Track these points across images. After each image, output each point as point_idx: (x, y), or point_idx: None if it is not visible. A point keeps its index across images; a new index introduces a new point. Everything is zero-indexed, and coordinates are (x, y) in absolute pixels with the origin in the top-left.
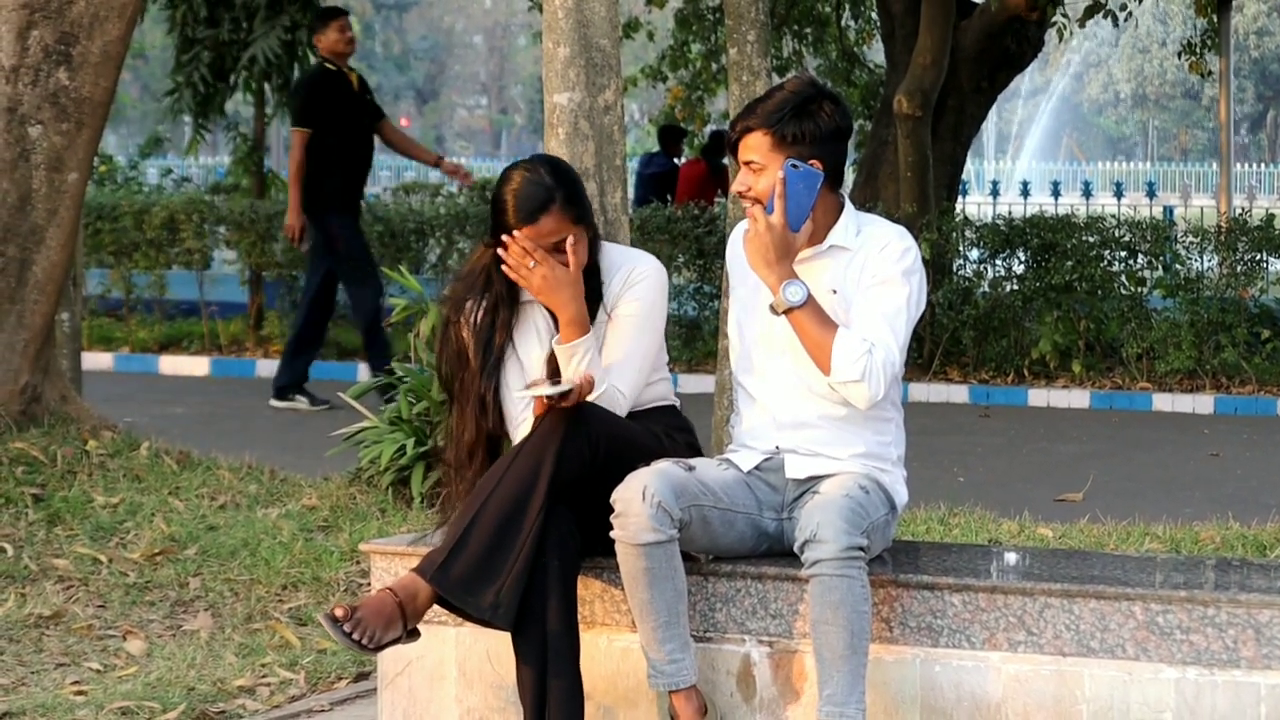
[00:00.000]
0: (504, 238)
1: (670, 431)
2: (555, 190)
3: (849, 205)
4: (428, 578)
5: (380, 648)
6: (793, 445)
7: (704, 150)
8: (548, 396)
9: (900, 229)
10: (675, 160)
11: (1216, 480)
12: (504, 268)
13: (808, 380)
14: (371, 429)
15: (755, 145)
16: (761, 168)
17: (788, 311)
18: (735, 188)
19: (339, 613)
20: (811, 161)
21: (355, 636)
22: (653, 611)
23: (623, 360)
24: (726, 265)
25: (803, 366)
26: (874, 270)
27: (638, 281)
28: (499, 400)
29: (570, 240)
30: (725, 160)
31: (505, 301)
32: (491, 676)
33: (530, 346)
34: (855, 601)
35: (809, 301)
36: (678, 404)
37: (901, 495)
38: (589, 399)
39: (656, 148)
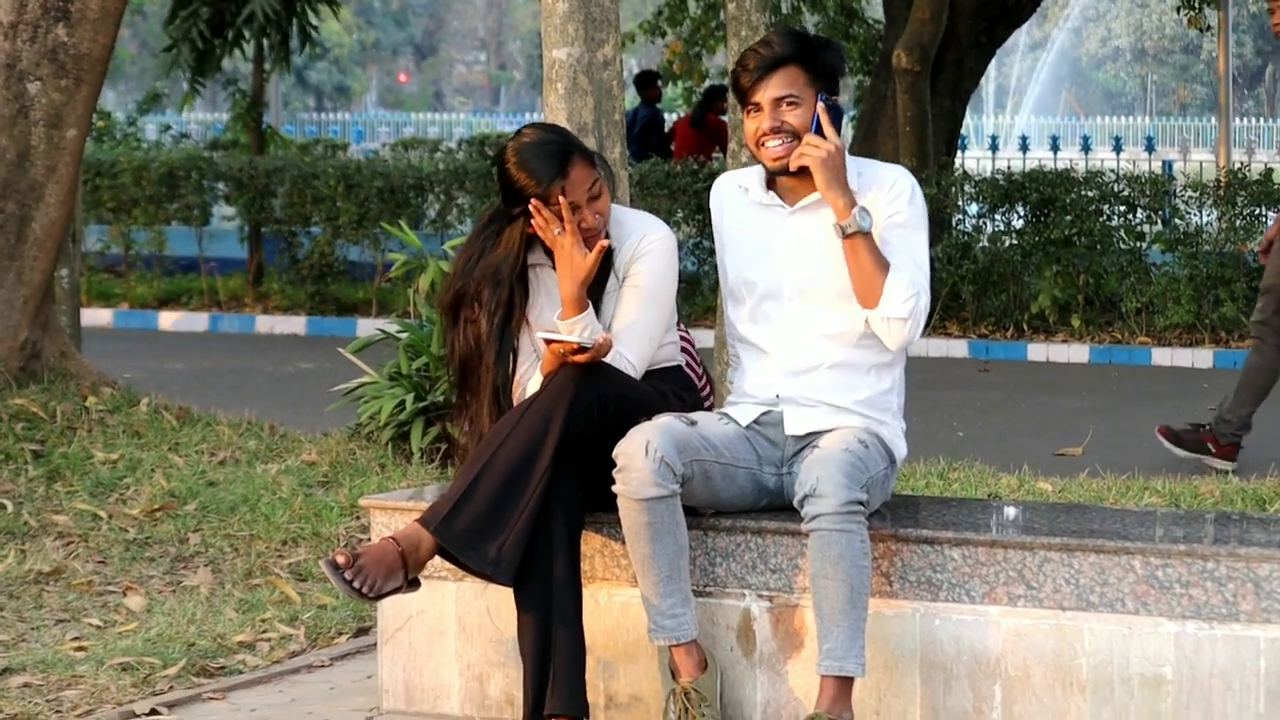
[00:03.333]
0: (534, 205)
1: (679, 392)
2: (568, 142)
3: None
4: (431, 529)
5: (380, 596)
6: (793, 394)
7: (700, 106)
8: (567, 344)
9: (900, 169)
10: (657, 105)
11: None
12: (535, 225)
13: (817, 324)
14: (371, 384)
15: (791, 80)
16: (798, 101)
17: (853, 235)
18: (766, 125)
19: (340, 559)
20: (834, 98)
21: (356, 584)
22: (654, 566)
23: (631, 329)
24: (713, 221)
25: (811, 309)
26: (889, 212)
27: (647, 252)
28: (510, 391)
29: (597, 243)
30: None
31: (519, 294)
32: (491, 631)
33: (542, 308)
34: (855, 556)
35: (870, 231)
36: (690, 363)
37: (901, 449)
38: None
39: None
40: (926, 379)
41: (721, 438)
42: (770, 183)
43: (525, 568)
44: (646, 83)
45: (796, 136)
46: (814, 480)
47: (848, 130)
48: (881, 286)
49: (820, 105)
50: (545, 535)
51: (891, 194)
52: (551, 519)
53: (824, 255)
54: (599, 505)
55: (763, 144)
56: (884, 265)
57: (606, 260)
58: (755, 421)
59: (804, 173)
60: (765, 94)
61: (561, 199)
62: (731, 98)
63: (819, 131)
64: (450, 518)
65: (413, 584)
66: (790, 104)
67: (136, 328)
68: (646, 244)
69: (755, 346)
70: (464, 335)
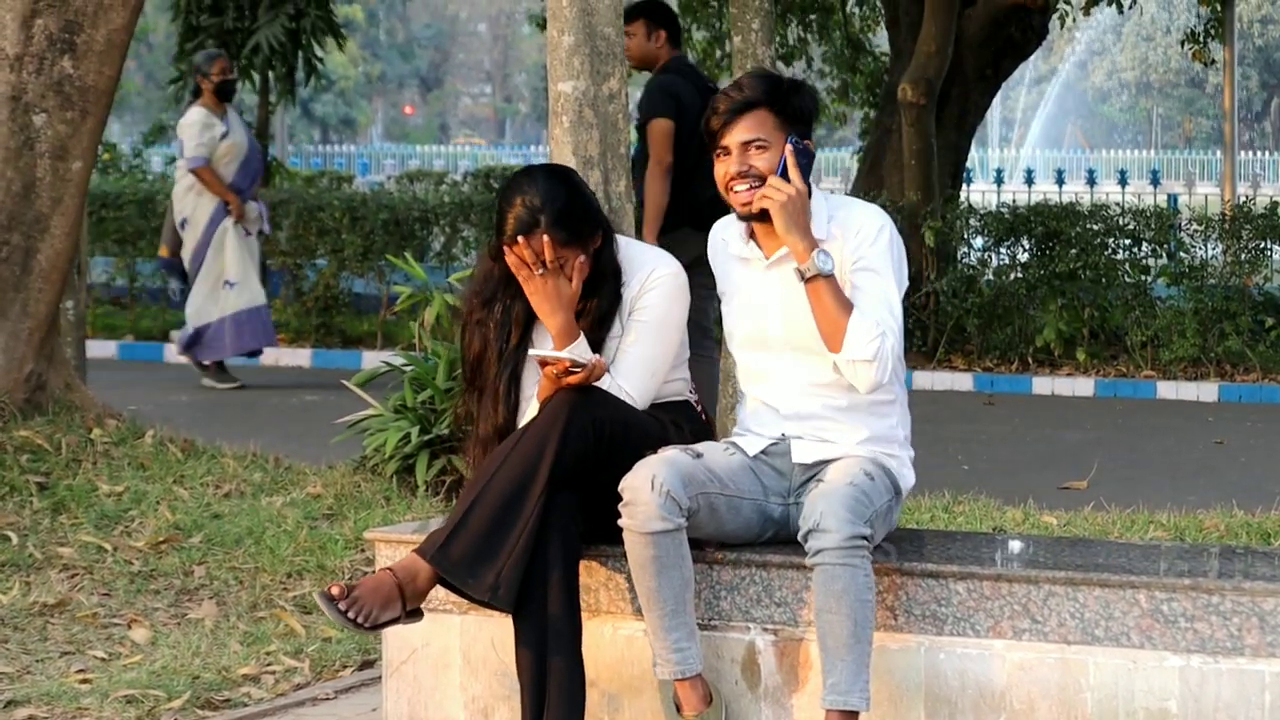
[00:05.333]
0: (506, 248)
1: (679, 421)
2: (541, 214)
3: (818, 192)
4: (428, 558)
5: (377, 627)
6: (799, 433)
7: None
8: (560, 361)
9: (872, 208)
10: None
11: (1220, 468)
12: (510, 264)
13: (809, 376)
14: (376, 417)
15: (760, 123)
16: (766, 145)
17: (813, 279)
18: (733, 169)
19: (335, 591)
20: (805, 141)
21: (351, 615)
22: (659, 600)
23: (632, 365)
24: (711, 266)
25: (801, 363)
26: (857, 255)
27: (653, 287)
28: (514, 396)
29: (574, 263)
30: None
31: (523, 300)
32: (496, 664)
33: (545, 338)
34: (859, 590)
35: (832, 274)
36: (693, 399)
37: (908, 479)
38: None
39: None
40: (931, 412)
41: (727, 469)
42: (750, 232)
43: (522, 595)
44: None
45: (763, 180)
46: (818, 515)
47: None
48: (844, 329)
49: (789, 148)
50: (542, 562)
51: (859, 237)
52: (548, 546)
53: (805, 306)
54: (600, 533)
55: (731, 188)
56: (847, 308)
57: (615, 296)
58: (763, 451)
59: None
60: (733, 137)
61: (523, 249)
62: None
63: (784, 175)
64: (446, 545)
65: (413, 615)
66: (759, 147)
67: (141, 360)
68: (654, 279)
69: (756, 396)
70: (472, 341)
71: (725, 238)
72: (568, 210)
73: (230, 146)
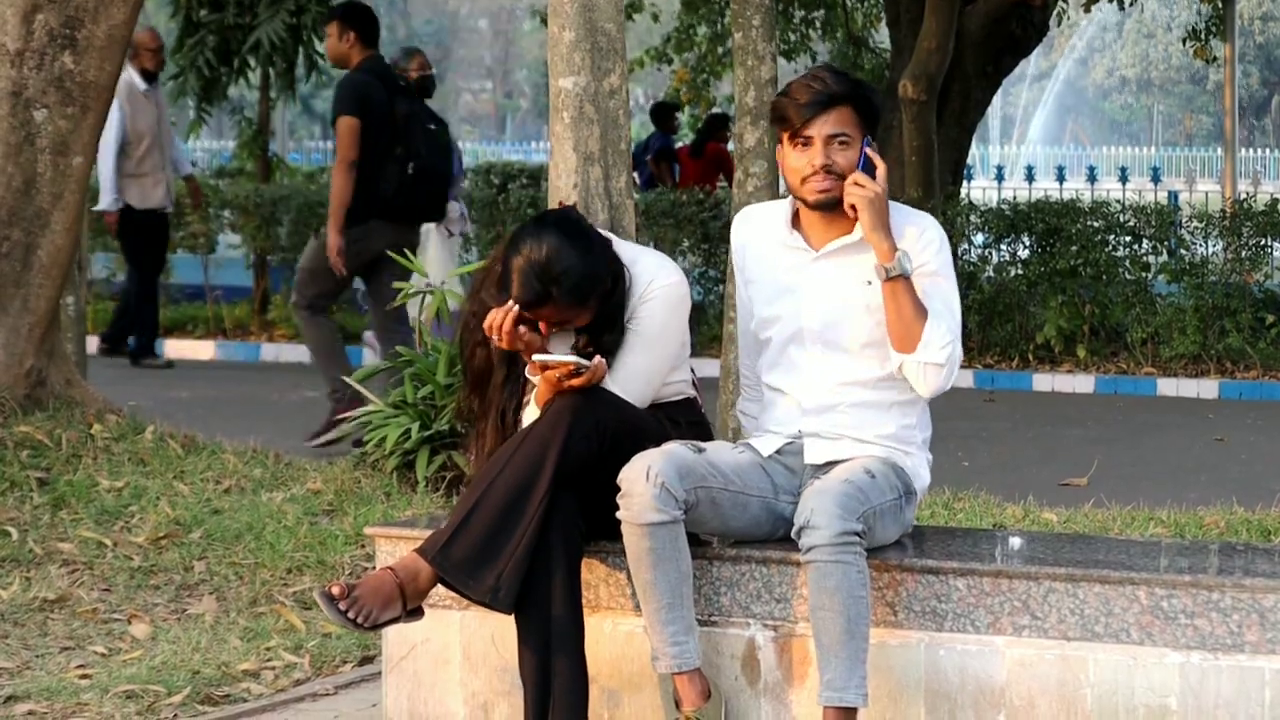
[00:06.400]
0: (494, 310)
1: (676, 418)
2: (553, 286)
3: None
4: (429, 558)
5: (376, 627)
6: (816, 429)
7: (701, 135)
8: (564, 365)
9: (925, 215)
10: (673, 136)
11: (1221, 465)
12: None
13: (836, 373)
14: (376, 413)
15: (844, 119)
16: (849, 141)
17: (894, 279)
18: (818, 161)
19: (335, 590)
20: (875, 144)
21: (351, 615)
22: (656, 593)
23: (628, 374)
24: (733, 255)
25: (829, 359)
26: (921, 259)
27: (651, 298)
28: (518, 416)
29: (576, 320)
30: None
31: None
32: (496, 660)
33: (555, 345)
34: (851, 587)
35: (911, 275)
36: (697, 396)
37: (923, 478)
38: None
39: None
40: (932, 409)
41: (733, 465)
42: (794, 222)
43: (524, 596)
44: (664, 115)
45: (842, 176)
46: (809, 512)
47: None
48: (921, 332)
49: (867, 148)
50: (544, 563)
51: (923, 241)
52: (551, 546)
53: (848, 302)
54: (603, 534)
55: (809, 179)
56: (923, 311)
57: (619, 308)
58: (777, 451)
59: (835, 213)
60: (819, 129)
61: (507, 330)
62: (740, 126)
63: (867, 171)
64: (448, 546)
65: (413, 613)
66: (842, 143)
67: None
68: (653, 289)
69: (777, 389)
70: (475, 359)
71: (769, 222)
72: (582, 282)
73: None
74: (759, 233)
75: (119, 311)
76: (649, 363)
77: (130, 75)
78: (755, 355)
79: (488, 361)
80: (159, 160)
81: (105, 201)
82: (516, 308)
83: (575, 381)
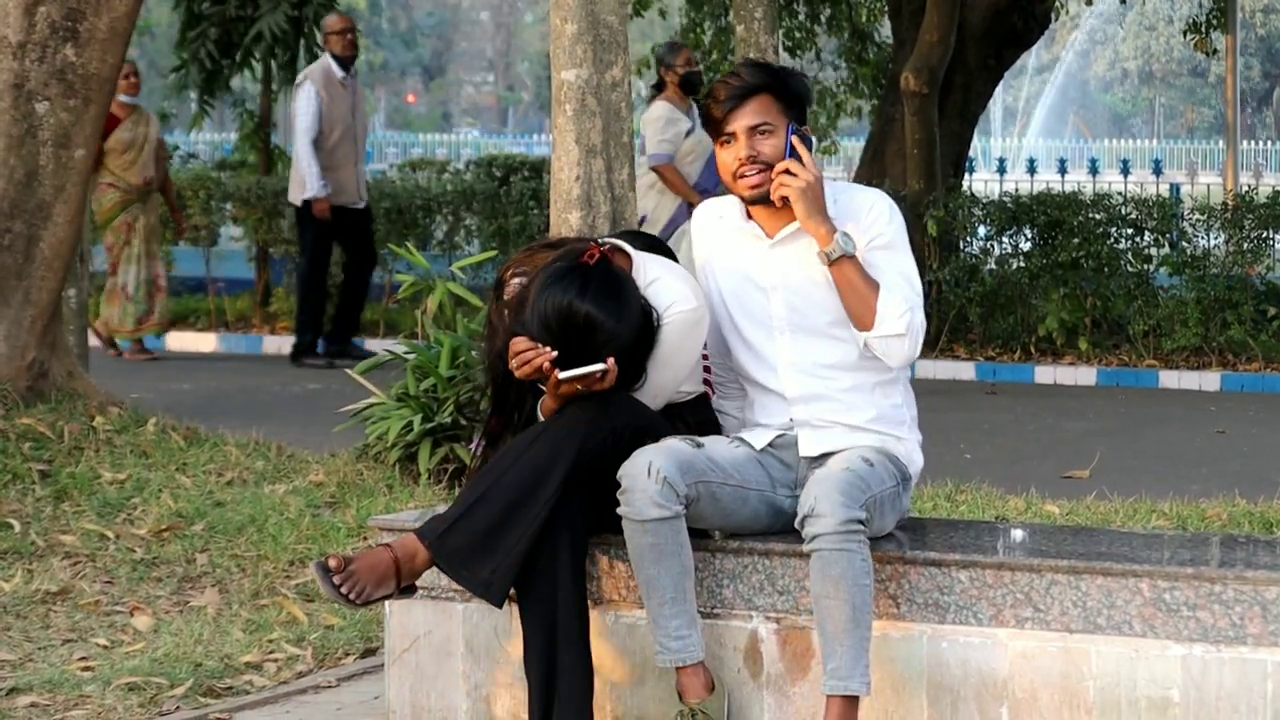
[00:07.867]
0: (523, 342)
1: (686, 417)
2: (605, 349)
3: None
4: (426, 543)
5: (368, 604)
6: (805, 418)
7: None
8: (588, 377)
9: (877, 191)
10: None
11: (1223, 457)
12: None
13: (811, 357)
14: (379, 405)
15: (764, 108)
16: (771, 130)
17: (839, 260)
18: (742, 154)
19: (332, 563)
20: (803, 127)
21: (344, 590)
22: (659, 587)
23: (639, 392)
24: (695, 250)
25: (801, 345)
26: (870, 235)
27: (666, 323)
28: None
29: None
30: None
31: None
32: (499, 652)
33: None
34: (856, 575)
35: (855, 254)
36: (709, 392)
37: (917, 463)
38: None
39: None
40: (934, 401)
41: (731, 460)
42: (748, 212)
43: (530, 590)
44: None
45: (769, 165)
46: (812, 501)
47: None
48: (875, 307)
49: (792, 135)
50: (550, 557)
51: (870, 217)
52: (556, 541)
53: (810, 286)
54: (608, 527)
55: (739, 174)
56: (874, 286)
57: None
58: (770, 444)
59: (781, 202)
60: (740, 123)
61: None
62: None
63: (794, 157)
64: (447, 534)
65: (406, 591)
66: (763, 133)
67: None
68: (670, 315)
69: (757, 383)
70: (497, 369)
71: (723, 214)
72: (610, 340)
73: (695, 144)
74: (718, 225)
75: (338, 311)
76: (659, 380)
77: (327, 62)
78: (724, 351)
79: (507, 371)
80: (351, 152)
81: (313, 188)
82: (548, 364)
83: (603, 384)
